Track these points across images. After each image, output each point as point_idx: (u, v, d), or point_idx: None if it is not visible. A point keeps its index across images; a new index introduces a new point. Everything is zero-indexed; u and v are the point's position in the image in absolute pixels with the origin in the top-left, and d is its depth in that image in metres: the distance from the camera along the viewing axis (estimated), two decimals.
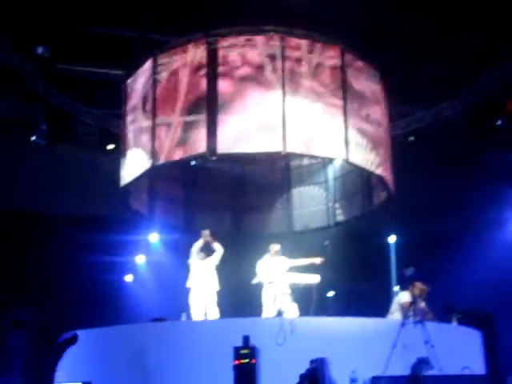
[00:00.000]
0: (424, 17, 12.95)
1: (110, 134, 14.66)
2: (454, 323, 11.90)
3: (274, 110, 11.24)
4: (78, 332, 10.76)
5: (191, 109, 11.44)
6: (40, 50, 13.25)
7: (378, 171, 12.23)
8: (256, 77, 11.40)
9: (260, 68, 11.42)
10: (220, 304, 12.54)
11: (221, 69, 11.39)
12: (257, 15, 11.96)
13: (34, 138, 14.11)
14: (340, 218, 14.23)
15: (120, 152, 12.94)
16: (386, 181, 12.47)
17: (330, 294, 16.82)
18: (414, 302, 10.74)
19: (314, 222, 14.42)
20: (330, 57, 11.74)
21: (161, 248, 17.90)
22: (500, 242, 15.92)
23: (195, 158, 11.73)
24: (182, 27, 12.26)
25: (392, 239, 17.74)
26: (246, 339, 9.69)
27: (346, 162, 11.82)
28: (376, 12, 12.96)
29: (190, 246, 12.87)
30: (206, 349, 10.04)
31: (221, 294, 12.65)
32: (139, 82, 12.36)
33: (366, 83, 12.24)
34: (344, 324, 10.51)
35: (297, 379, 9.22)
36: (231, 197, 14.90)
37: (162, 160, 11.63)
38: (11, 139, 14.57)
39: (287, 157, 13.63)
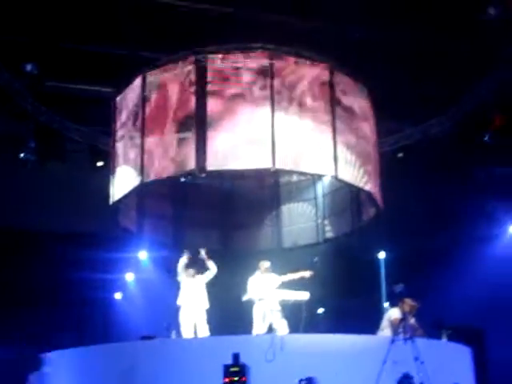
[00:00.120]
0: (412, 33, 13.05)
1: (99, 151, 14.63)
2: (444, 339, 11.91)
3: (263, 126, 11.24)
4: (68, 351, 10.75)
5: (180, 126, 11.43)
6: (29, 67, 13.24)
7: (367, 188, 12.24)
8: (245, 94, 11.41)
9: (249, 85, 11.43)
10: (210, 321, 12.51)
11: (210, 86, 11.40)
12: (245, 33, 12.02)
13: (22, 155, 14.08)
14: (329, 234, 14.21)
15: (109, 169, 12.93)
16: (375, 197, 12.48)
17: (320, 310, 16.81)
18: (403, 319, 10.73)
19: (303, 239, 14.39)
20: (319, 74, 11.76)
21: (150, 265, 17.87)
22: (489, 258, 15.97)
23: (184, 175, 11.70)
24: (172, 45, 12.29)
25: (382, 255, 17.78)
26: (235, 357, 9.67)
27: (335, 178, 11.83)
28: (364, 28, 13.06)
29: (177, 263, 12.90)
30: (196, 367, 10.01)
31: (210, 312, 12.62)
32: (129, 100, 12.35)
33: (355, 100, 12.28)
34: (334, 341, 10.50)
35: None
36: (220, 214, 14.86)
37: (150, 177, 11.61)
38: (0, 156, 14.56)
39: (276, 173, 13.64)
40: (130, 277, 18.63)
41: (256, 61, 11.52)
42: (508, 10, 12.37)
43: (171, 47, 12.16)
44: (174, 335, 11.96)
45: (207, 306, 12.60)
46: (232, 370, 9.62)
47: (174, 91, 11.62)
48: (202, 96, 11.35)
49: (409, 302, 11.45)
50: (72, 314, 16.45)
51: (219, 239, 14.70)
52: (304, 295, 11.87)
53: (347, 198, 13.66)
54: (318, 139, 11.56)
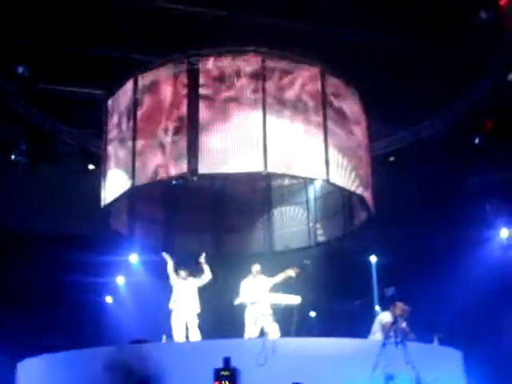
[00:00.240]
0: (404, 36, 13.08)
1: (90, 153, 14.61)
2: (436, 343, 11.90)
3: (255, 129, 11.24)
4: (60, 355, 10.71)
5: (172, 129, 11.42)
6: (20, 69, 13.22)
7: (359, 191, 12.24)
8: (237, 97, 11.39)
9: (241, 88, 11.42)
10: (201, 325, 12.48)
11: (202, 89, 11.39)
12: (239, 36, 12.02)
13: (13, 157, 14.03)
14: (321, 238, 14.21)
15: (101, 172, 12.89)
16: (367, 201, 12.49)
17: (312, 314, 16.81)
18: (395, 322, 10.71)
19: (295, 242, 14.38)
20: (311, 77, 11.77)
21: (141, 269, 17.83)
22: (482, 262, 15.97)
23: (176, 178, 11.67)
24: (165, 48, 12.29)
25: (373, 259, 17.78)
26: (226, 361, 9.64)
27: (327, 182, 11.82)
28: (356, 31, 13.08)
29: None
30: (187, 371, 9.96)
31: (202, 316, 12.59)
32: (120, 102, 12.32)
33: (346, 103, 12.28)
34: (325, 345, 10.48)
35: None
36: (212, 217, 14.83)
37: (142, 180, 11.59)
38: None
39: (268, 177, 13.62)
40: (120, 280, 18.57)
41: (248, 64, 11.52)
42: (499, 14, 12.41)
43: (164, 50, 12.15)
44: (164, 339, 11.92)
45: (199, 309, 12.56)
46: (222, 373, 9.58)
47: (166, 94, 11.61)
48: (194, 99, 11.34)
49: (400, 306, 11.44)
50: (63, 316, 16.37)
51: (211, 242, 14.66)
52: (295, 299, 11.85)
53: (339, 201, 13.66)
54: (310, 143, 11.55)
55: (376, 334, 11.68)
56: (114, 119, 12.46)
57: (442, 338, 11.98)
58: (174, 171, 11.30)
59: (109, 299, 18.63)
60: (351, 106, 12.43)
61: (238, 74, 11.46)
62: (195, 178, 11.51)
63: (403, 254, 16.28)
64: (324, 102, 11.80)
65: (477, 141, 14.30)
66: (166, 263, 12.84)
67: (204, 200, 14.65)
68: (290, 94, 11.54)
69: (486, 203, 15.89)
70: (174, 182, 12.81)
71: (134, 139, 11.72)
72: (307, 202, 14.56)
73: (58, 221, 16.08)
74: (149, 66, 11.93)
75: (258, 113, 11.32)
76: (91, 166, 14.63)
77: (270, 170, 11.25)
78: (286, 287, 12.26)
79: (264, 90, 11.39)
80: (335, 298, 16.85)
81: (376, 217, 12.78)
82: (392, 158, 14.94)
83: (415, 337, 11.57)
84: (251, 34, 12.16)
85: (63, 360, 11.11)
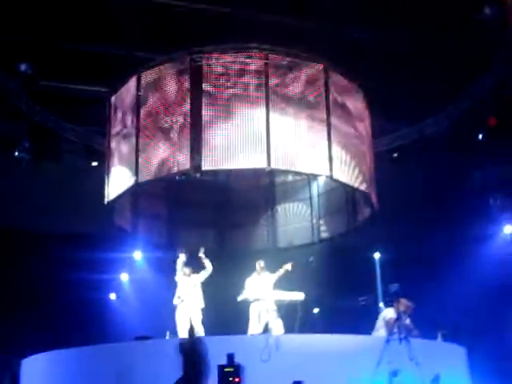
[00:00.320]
0: (408, 33, 13.06)
1: (94, 151, 14.60)
2: (439, 340, 11.90)
3: (259, 126, 11.24)
4: (63, 352, 10.72)
5: (176, 126, 11.42)
6: (23, 66, 13.20)
7: (362, 188, 12.24)
8: (241, 94, 11.39)
9: (245, 85, 11.42)
10: (205, 321, 12.49)
11: (205, 85, 11.39)
12: (242, 33, 12.01)
13: (16, 153, 14.03)
14: (324, 234, 14.20)
15: (104, 169, 12.90)
16: (370, 197, 12.49)
17: (315, 310, 16.81)
18: (398, 319, 10.71)
19: (299, 239, 14.39)
20: (314, 74, 11.76)
21: (144, 266, 17.84)
22: (485, 258, 15.96)
23: (179, 174, 11.67)
24: (168, 45, 12.28)
25: (377, 255, 17.77)
26: (230, 357, 9.65)
27: (330, 178, 11.82)
28: (360, 28, 13.06)
29: (174, 263, 12.87)
30: None
31: (206, 312, 12.60)
32: (124, 100, 12.32)
33: (350, 100, 12.28)
34: (329, 341, 10.50)
35: None
36: (215, 214, 14.86)
37: (145, 177, 11.59)
38: None
39: (272, 173, 13.64)
40: (124, 277, 18.59)
41: (252, 61, 11.51)
42: (503, 10, 12.39)
43: (168, 47, 12.15)
44: (168, 336, 11.94)
45: (203, 305, 12.58)
46: (226, 370, 9.59)
47: (169, 91, 11.60)
48: (197, 96, 11.34)
49: (404, 302, 11.43)
50: (67, 313, 16.38)
51: (214, 239, 14.69)
52: (299, 295, 11.87)
53: (342, 197, 13.67)
54: (314, 139, 11.55)
55: (380, 331, 11.68)
56: (118, 116, 12.47)
57: (446, 335, 11.99)
58: (177, 168, 11.31)
59: (113, 296, 18.65)
60: (355, 102, 12.43)
61: (241, 70, 11.46)
62: (199, 175, 11.52)
63: (407, 250, 16.27)
64: (328, 99, 11.80)
65: (480, 137, 14.27)
66: (177, 258, 12.85)
67: (208, 196, 14.67)
68: (294, 91, 11.54)
69: (489, 199, 15.87)
70: (177, 179, 12.82)
71: (137, 136, 11.73)
72: (311, 198, 14.56)
73: (61, 218, 16.10)
74: (152, 63, 11.93)
75: (262, 109, 11.31)
76: (94, 163, 14.63)
77: (274, 166, 11.25)
78: (289, 284, 12.28)
79: (267, 87, 11.39)
80: (339, 294, 16.84)
81: (379, 213, 12.78)
82: (395, 155, 14.92)
83: (419, 333, 11.58)
84: (255, 30, 12.15)
85: (68, 357, 11.14)
